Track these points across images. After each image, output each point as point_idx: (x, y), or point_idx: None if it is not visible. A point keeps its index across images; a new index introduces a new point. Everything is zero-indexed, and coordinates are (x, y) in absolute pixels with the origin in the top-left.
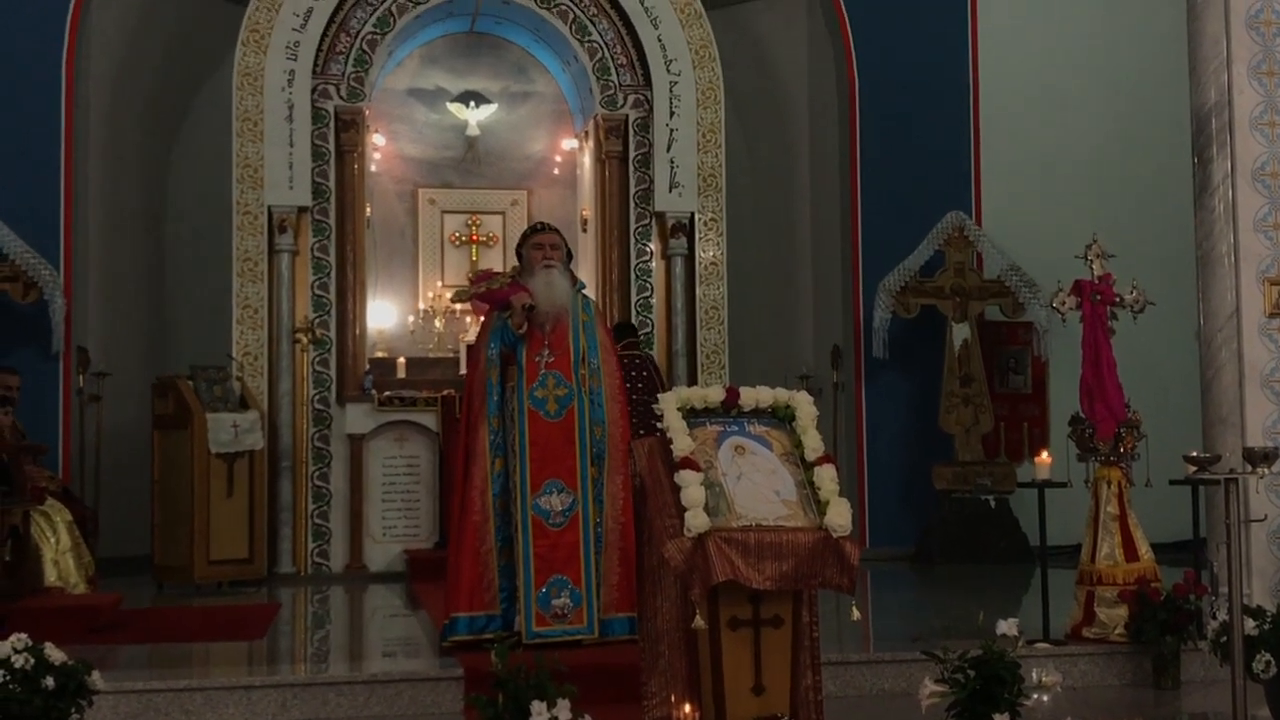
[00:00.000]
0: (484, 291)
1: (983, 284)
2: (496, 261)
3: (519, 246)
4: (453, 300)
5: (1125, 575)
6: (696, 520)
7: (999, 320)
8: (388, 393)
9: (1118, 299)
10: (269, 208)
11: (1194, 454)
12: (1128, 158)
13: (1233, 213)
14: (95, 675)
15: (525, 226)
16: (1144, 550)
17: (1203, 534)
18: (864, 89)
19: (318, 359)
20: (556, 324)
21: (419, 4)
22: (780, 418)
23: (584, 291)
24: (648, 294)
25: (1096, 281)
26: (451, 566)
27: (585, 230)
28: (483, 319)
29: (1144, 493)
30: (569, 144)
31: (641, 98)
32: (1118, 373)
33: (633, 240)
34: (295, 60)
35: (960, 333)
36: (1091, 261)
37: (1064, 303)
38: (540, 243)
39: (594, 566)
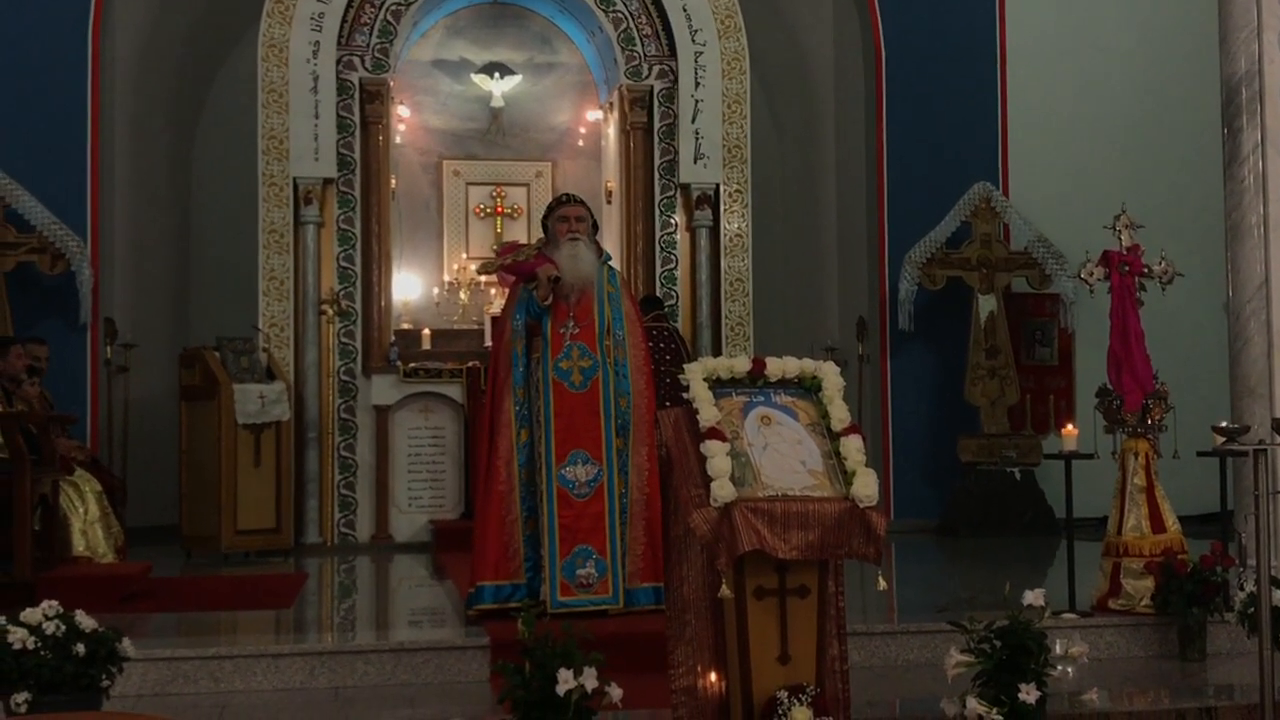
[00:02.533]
0: (510, 263)
1: (1009, 256)
2: (520, 233)
3: (544, 218)
4: (479, 272)
5: (1152, 547)
6: (722, 490)
7: (1025, 292)
8: (413, 364)
9: (1146, 270)
10: (294, 179)
11: (1222, 425)
12: (1156, 127)
13: (1262, 183)
14: (126, 642)
15: (549, 198)
16: (1171, 522)
17: (1230, 506)
18: (890, 59)
19: (343, 330)
20: (581, 295)
21: None
22: (806, 388)
23: (610, 263)
24: (672, 266)
25: (1125, 252)
26: (477, 536)
27: (610, 202)
28: (509, 291)
29: (1171, 464)
30: (593, 115)
31: (666, 68)
32: (1146, 344)
33: (657, 212)
34: (320, 32)
35: (986, 305)
36: (1120, 232)
37: (1092, 274)
38: (565, 215)
39: (619, 537)
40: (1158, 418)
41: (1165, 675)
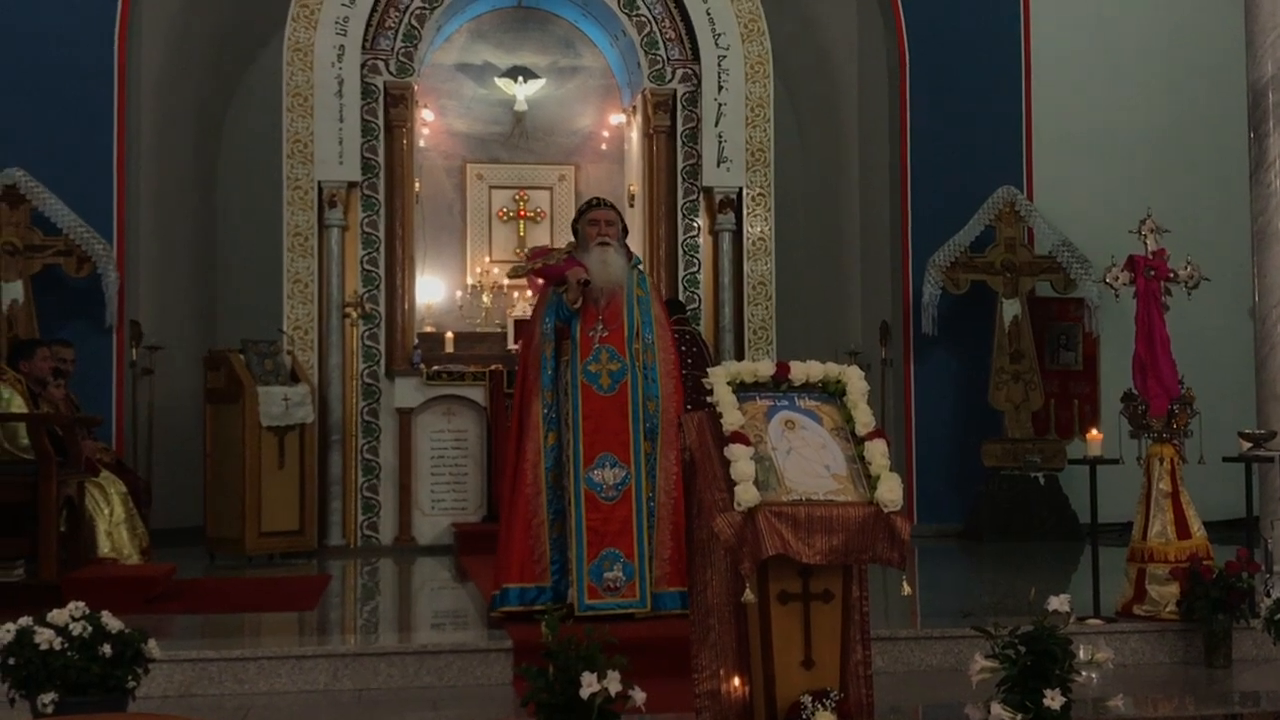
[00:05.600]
0: (540, 267)
1: (1034, 260)
2: (544, 237)
3: (575, 222)
4: (509, 276)
5: (1177, 553)
6: (746, 494)
7: (1050, 296)
8: (436, 367)
9: (1172, 274)
10: (319, 183)
11: (1248, 430)
12: (1182, 132)
13: None
14: (151, 644)
15: (572, 202)
16: (1196, 527)
17: (1256, 511)
18: (914, 62)
19: (367, 333)
20: (611, 299)
21: None
22: (830, 392)
23: (639, 267)
24: (695, 270)
25: (1150, 257)
26: (502, 538)
27: (632, 206)
28: (538, 294)
29: (1197, 470)
30: (616, 119)
31: (689, 72)
32: (1171, 349)
33: (680, 216)
34: (345, 36)
35: (1011, 309)
36: (1145, 237)
37: (1117, 278)
38: (596, 219)
39: (646, 540)
40: (1183, 423)
41: (1190, 682)
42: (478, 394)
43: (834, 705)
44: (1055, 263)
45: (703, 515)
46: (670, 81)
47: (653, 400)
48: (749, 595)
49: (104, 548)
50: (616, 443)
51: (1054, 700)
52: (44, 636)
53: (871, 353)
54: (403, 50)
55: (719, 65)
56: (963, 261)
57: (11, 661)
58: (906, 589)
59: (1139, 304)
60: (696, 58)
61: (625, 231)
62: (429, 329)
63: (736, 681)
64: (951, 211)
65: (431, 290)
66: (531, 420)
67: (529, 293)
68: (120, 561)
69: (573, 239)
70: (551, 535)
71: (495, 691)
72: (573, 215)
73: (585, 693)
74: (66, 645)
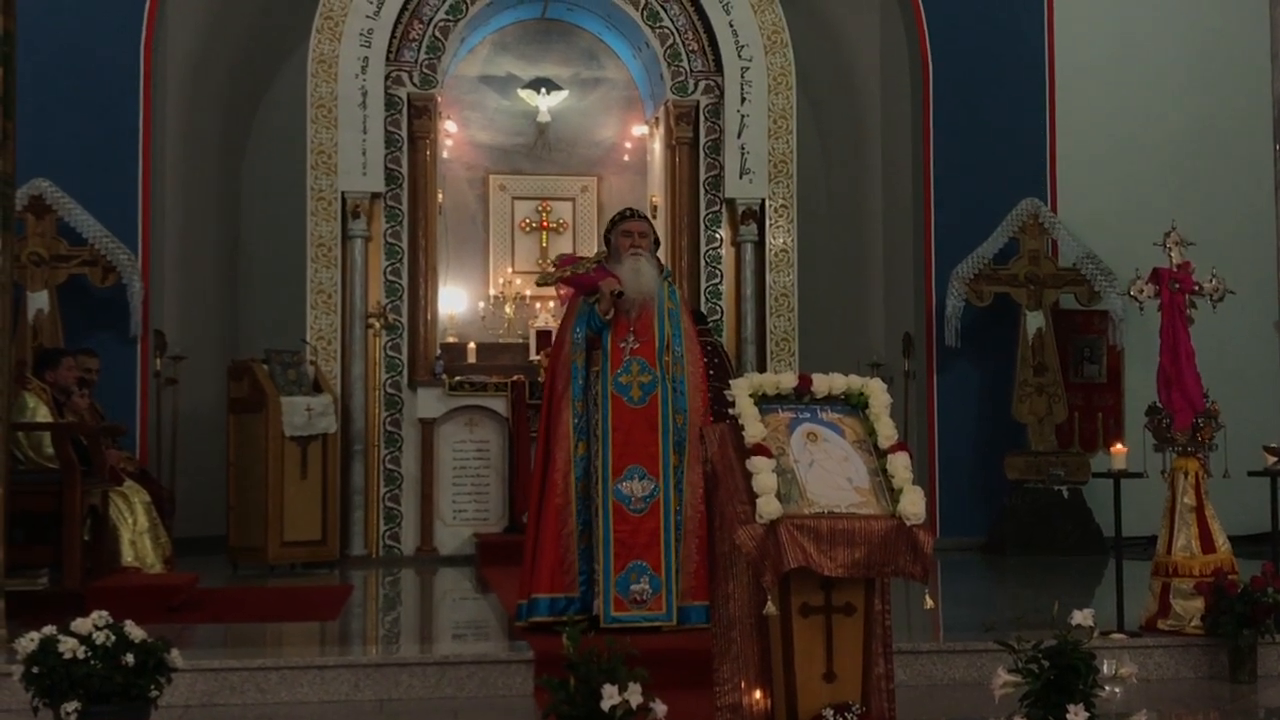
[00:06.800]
0: (570, 276)
1: (1058, 272)
2: (566, 248)
3: (607, 232)
4: (538, 283)
5: (1202, 567)
6: (768, 506)
7: (1074, 309)
8: (458, 377)
9: (1197, 287)
10: (342, 194)
11: (1273, 444)
12: (1207, 144)
13: None
14: (174, 653)
15: (595, 213)
16: (1221, 542)
17: None
18: (937, 74)
19: (389, 344)
20: (642, 311)
21: None
22: (853, 405)
23: (669, 279)
24: (717, 281)
25: (1175, 270)
26: (529, 548)
27: (655, 216)
28: (566, 303)
29: (1221, 484)
30: (639, 130)
31: (712, 83)
32: (1196, 362)
33: (703, 227)
34: (369, 47)
35: (1034, 321)
36: (1170, 249)
37: (1142, 291)
38: (629, 230)
39: (674, 554)
40: (1208, 436)
41: (1215, 697)
42: (500, 404)
43: (856, 719)
44: (1079, 275)
45: (724, 527)
46: (693, 93)
47: (681, 414)
48: (771, 608)
49: (127, 557)
50: (645, 455)
51: (1077, 715)
52: (67, 645)
53: (894, 365)
54: (426, 62)
55: (742, 77)
56: (986, 273)
57: (35, 670)
58: (929, 602)
59: (1164, 317)
60: (719, 69)
61: (657, 243)
62: (451, 339)
63: (758, 694)
64: (975, 223)
65: (454, 301)
66: (561, 429)
67: (551, 303)
68: (143, 571)
69: (603, 248)
70: (579, 546)
71: (516, 703)
72: (595, 226)
73: (606, 705)
74: (90, 654)
